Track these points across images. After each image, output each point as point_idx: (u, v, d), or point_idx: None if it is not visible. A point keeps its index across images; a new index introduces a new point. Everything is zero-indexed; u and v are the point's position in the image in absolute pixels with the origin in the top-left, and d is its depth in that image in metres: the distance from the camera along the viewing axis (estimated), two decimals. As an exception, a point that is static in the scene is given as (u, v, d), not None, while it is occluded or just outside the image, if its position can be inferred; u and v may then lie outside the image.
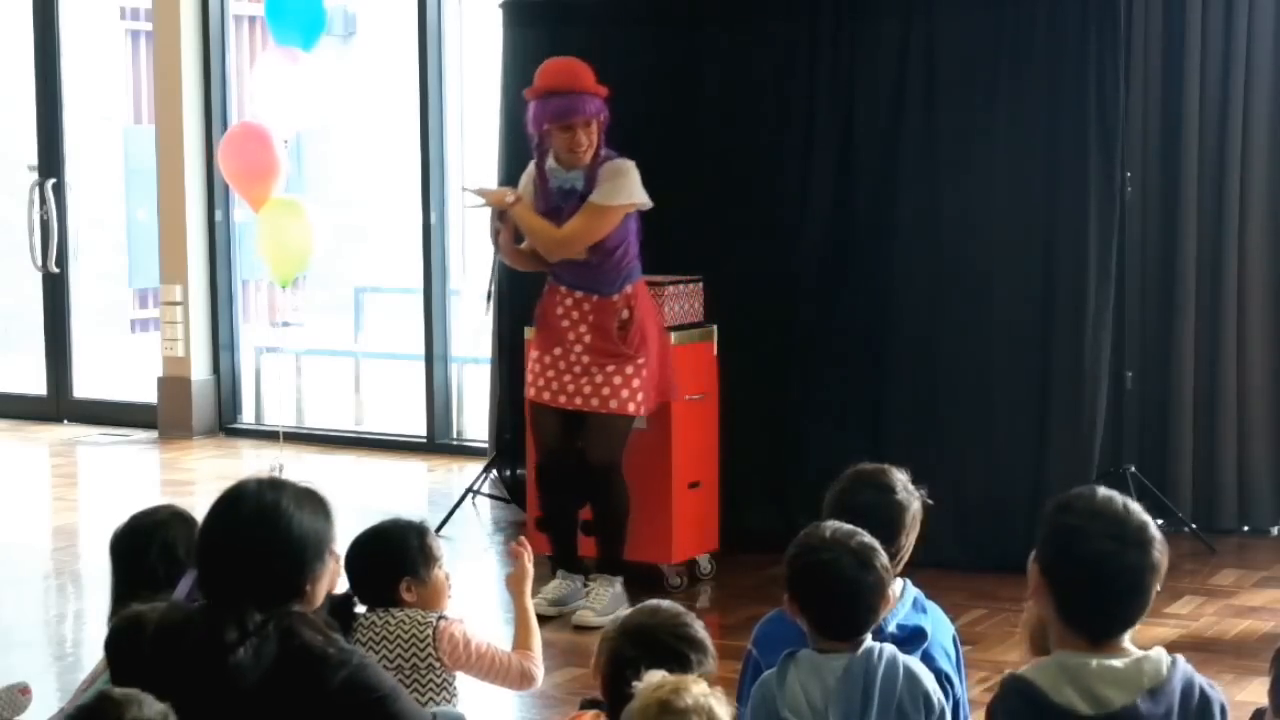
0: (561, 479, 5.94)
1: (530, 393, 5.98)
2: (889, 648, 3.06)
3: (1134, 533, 2.72)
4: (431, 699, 3.62)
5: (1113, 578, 2.71)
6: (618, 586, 5.87)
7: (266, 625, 2.97)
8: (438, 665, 3.65)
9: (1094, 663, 2.70)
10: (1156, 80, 6.91)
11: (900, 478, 3.53)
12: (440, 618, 3.69)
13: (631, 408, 5.82)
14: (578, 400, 5.82)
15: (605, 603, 5.74)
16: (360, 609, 3.71)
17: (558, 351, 5.86)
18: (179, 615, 3.08)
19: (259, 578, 3.01)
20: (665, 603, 3.18)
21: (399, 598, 3.69)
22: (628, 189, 5.74)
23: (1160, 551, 2.75)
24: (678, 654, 3.01)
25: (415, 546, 3.73)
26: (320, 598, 3.12)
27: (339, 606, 3.57)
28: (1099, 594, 2.72)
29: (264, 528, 3.03)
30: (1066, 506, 2.79)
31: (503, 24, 7.61)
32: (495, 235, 5.94)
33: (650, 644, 3.02)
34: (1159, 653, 2.76)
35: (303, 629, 3.00)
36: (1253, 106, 6.81)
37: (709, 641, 3.09)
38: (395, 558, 3.72)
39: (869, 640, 3.07)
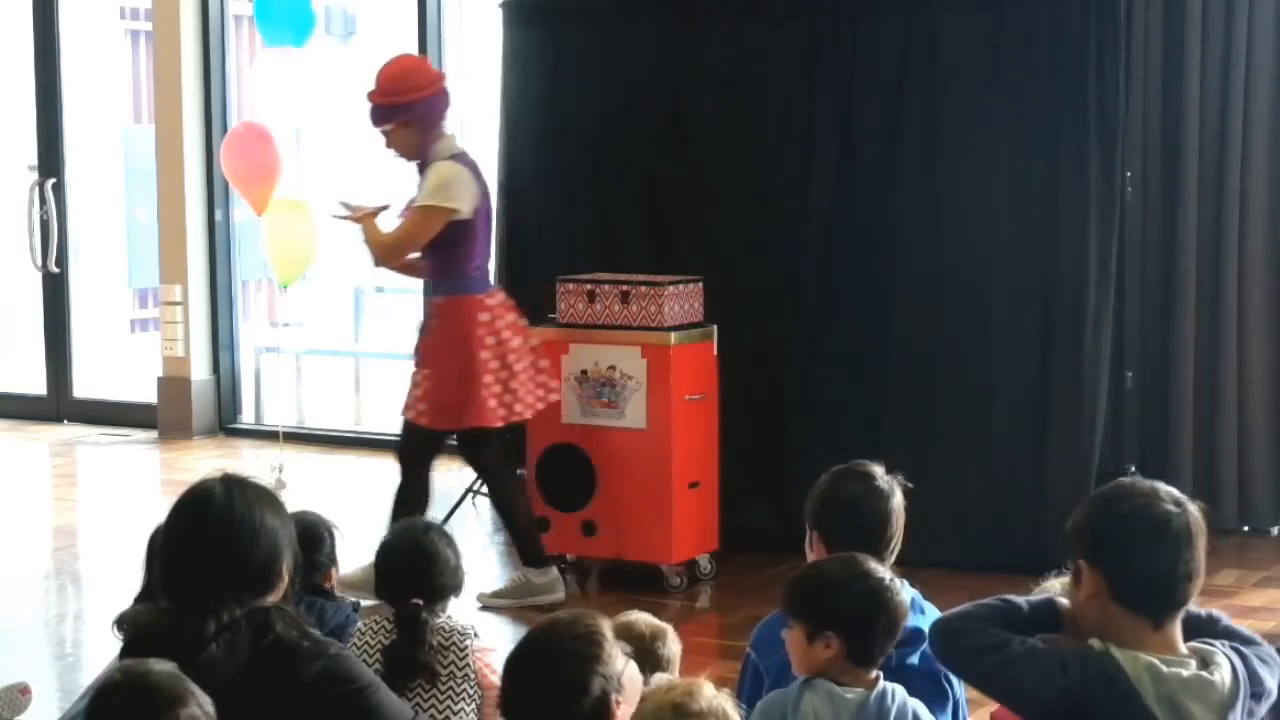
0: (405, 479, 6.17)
1: None
2: (900, 691, 3.04)
3: (1170, 495, 2.79)
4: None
5: (1161, 533, 2.72)
6: (534, 577, 6.08)
7: (238, 621, 2.97)
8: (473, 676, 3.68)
9: (1169, 670, 2.67)
10: (1156, 80, 6.91)
11: (876, 469, 3.54)
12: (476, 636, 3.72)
13: (411, 415, 5.97)
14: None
15: (508, 586, 6.04)
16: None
17: None
18: (149, 617, 3.08)
19: (228, 575, 3.01)
20: (567, 619, 2.84)
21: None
22: (440, 193, 5.83)
23: (1201, 517, 2.77)
24: (552, 691, 2.75)
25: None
26: (282, 590, 3.11)
27: (410, 618, 3.62)
28: (1151, 554, 2.71)
29: (229, 525, 3.03)
30: (1103, 496, 2.83)
31: (503, 24, 7.62)
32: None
33: (522, 677, 2.81)
34: (1222, 664, 2.73)
35: (276, 623, 3.00)
36: (1253, 106, 6.80)
37: (610, 671, 2.76)
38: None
39: (883, 682, 3.06)
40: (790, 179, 6.97)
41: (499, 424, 5.97)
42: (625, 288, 6.26)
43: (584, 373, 6.28)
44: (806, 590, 3.05)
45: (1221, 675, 2.70)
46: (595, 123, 7.31)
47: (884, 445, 6.37)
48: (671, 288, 6.27)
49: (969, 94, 6.66)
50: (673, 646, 3.56)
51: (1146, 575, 2.73)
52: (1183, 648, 2.74)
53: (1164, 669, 2.67)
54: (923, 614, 3.41)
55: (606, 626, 2.83)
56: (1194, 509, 2.77)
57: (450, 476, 8.37)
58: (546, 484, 6.41)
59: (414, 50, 8.93)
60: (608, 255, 6.96)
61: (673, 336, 6.20)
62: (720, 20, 7.09)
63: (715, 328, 6.43)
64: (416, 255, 6.06)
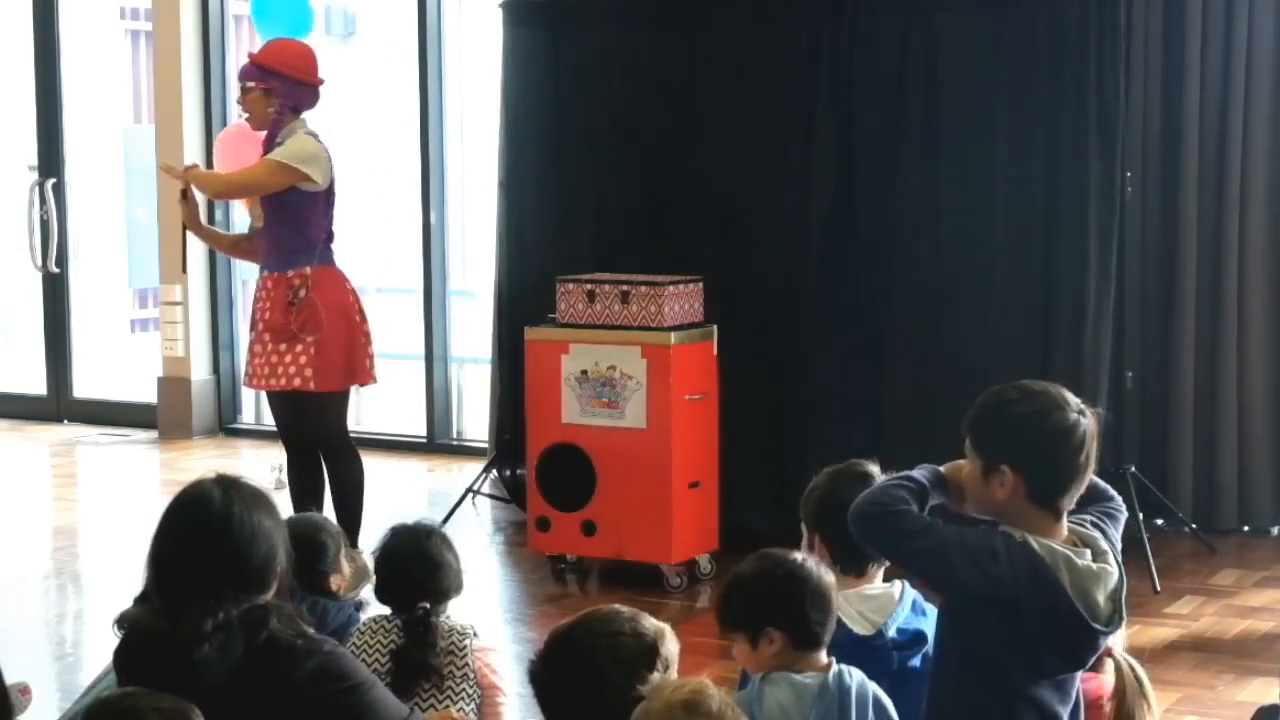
0: (297, 459, 6.31)
1: (244, 380, 6.44)
2: (857, 672, 3.08)
3: (1076, 404, 2.93)
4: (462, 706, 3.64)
5: (1079, 447, 2.89)
6: (359, 560, 5.97)
7: (232, 620, 2.96)
8: (472, 675, 3.67)
9: (1080, 562, 2.85)
10: (1156, 80, 6.91)
11: (873, 468, 3.54)
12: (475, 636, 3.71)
13: (299, 382, 6.07)
14: (256, 381, 6.21)
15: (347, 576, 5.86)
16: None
17: (252, 335, 6.24)
18: (145, 617, 3.07)
19: (227, 576, 3.00)
20: (628, 614, 2.99)
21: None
22: (300, 159, 6.03)
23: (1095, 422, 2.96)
24: (599, 682, 2.89)
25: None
26: (275, 589, 3.11)
27: (419, 622, 3.62)
28: (1068, 463, 2.89)
29: (229, 527, 3.02)
30: (1021, 407, 2.93)
31: (503, 24, 7.61)
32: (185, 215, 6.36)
33: (570, 657, 2.92)
34: (1109, 553, 2.91)
35: (271, 620, 2.99)
36: (1253, 106, 6.80)
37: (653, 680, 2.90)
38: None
39: (837, 664, 3.08)
40: (790, 179, 6.97)
41: (376, 381, 6.36)
42: (625, 288, 6.25)
43: (584, 373, 6.28)
44: (732, 601, 3.15)
45: (1112, 564, 2.90)
46: (595, 122, 7.31)
47: (884, 445, 6.38)
48: (671, 288, 6.27)
49: (969, 94, 6.66)
50: (671, 646, 3.55)
51: (1062, 481, 2.91)
52: (1065, 530, 2.93)
53: (1077, 561, 2.85)
54: (924, 615, 3.40)
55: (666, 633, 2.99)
56: (1091, 414, 2.95)
57: (450, 476, 8.39)
58: (546, 484, 6.41)
59: (414, 50, 8.96)
60: (608, 255, 6.96)
61: (673, 336, 6.20)
62: (720, 20, 7.09)
63: (715, 328, 6.43)
64: (249, 220, 6.33)
